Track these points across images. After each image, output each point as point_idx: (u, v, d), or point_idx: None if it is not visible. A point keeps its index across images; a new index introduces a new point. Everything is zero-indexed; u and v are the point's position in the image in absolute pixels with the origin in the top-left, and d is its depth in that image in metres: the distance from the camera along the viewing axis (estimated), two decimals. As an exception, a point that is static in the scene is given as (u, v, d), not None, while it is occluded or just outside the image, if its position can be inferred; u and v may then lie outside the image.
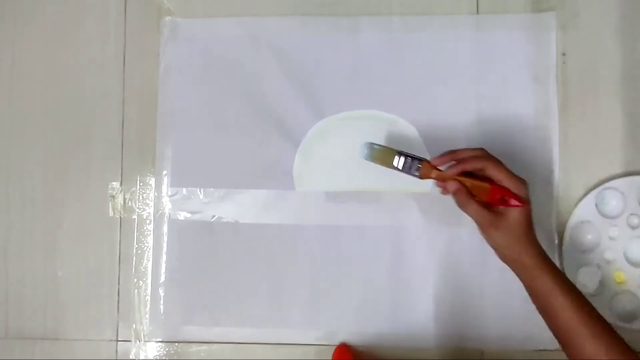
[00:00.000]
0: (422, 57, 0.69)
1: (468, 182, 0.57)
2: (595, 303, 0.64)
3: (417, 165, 0.59)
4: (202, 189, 0.69)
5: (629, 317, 0.64)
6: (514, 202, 0.55)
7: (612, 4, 0.68)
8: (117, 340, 0.69)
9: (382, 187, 0.68)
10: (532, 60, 0.68)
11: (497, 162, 0.56)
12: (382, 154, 0.61)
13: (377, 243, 0.67)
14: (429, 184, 0.67)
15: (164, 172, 0.70)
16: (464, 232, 0.67)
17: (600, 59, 0.68)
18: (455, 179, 0.57)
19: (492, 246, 0.57)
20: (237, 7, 0.70)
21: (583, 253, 0.65)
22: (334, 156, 0.69)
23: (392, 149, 0.60)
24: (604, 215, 0.65)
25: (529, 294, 0.56)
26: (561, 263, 0.66)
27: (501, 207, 0.56)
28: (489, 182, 0.56)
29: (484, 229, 0.57)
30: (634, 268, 0.65)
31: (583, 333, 0.52)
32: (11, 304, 0.70)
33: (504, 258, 0.57)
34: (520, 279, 0.57)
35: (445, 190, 0.58)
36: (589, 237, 0.65)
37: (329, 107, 0.69)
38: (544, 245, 0.65)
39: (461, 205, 0.57)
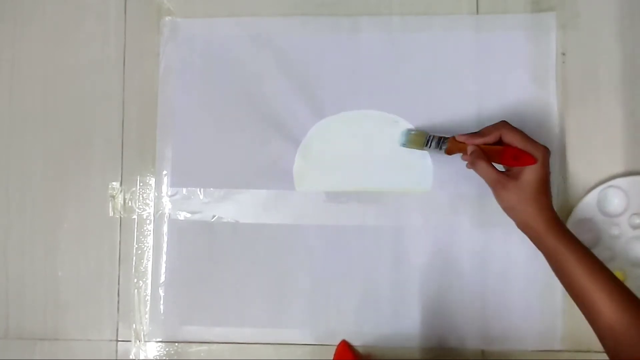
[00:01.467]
0: (422, 57, 0.69)
1: (486, 148, 0.59)
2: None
3: (444, 142, 0.62)
4: (202, 189, 0.69)
5: None
6: (524, 160, 0.56)
7: (612, 4, 0.68)
8: (117, 341, 0.69)
9: (382, 187, 0.68)
10: (532, 60, 0.68)
11: (514, 128, 0.58)
12: (416, 137, 0.64)
13: (377, 243, 0.67)
14: (429, 184, 0.67)
15: (164, 172, 0.70)
16: (464, 232, 0.67)
17: (600, 59, 0.68)
18: (473, 145, 0.60)
19: (503, 209, 0.58)
20: (237, 7, 0.70)
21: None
22: (334, 156, 0.69)
23: (424, 132, 0.64)
24: (605, 213, 0.65)
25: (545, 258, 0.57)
26: None
27: (515, 169, 0.57)
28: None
29: (493, 188, 0.58)
30: (634, 268, 0.64)
31: (596, 292, 0.52)
32: (11, 304, 0.70)
33: (517, 223, 0.58)
34: (534, 244, 0.58)
35: (470, 164, 0.60)
36: (589, 235, 0.65)
37: (329, 107, 0.69)
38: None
39: (473, 166, 0.59)
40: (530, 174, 0.56)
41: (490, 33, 0.68)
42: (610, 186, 0.65)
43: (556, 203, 0.66)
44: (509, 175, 0.58)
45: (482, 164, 0.58)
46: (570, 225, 0.65)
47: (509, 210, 0.58)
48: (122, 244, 0.70)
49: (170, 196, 0.69)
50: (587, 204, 0.65)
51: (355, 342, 0.67)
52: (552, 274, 0.65)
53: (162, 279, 0.69)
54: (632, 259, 0.65)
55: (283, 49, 0.69)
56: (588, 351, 0.65)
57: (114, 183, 0.70)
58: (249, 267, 0.68)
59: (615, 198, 0.65)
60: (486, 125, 0.61)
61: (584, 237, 0.65)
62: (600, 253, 0.65)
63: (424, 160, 0.68)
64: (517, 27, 0.68)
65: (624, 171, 0.66)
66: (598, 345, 0.65)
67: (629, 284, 0.64)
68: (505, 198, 0.57)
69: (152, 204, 0.70)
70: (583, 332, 0.65)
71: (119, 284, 0.70)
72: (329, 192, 0.68)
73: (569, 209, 0.66)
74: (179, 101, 0.70)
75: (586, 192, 0.66)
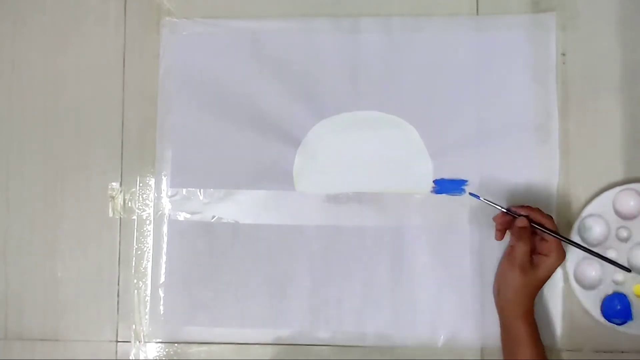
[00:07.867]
0: (422, 58, 0.69)
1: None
2: (587, 298, 0.65)
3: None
4: (201, 190, 0.69)
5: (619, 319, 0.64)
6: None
7: (612, 4, 0.68)
8: (117, 341, 0.69)
9: (382, 188, 0.68)
10: (532, 60, 0.68)
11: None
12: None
13: (377, 243, 0.67)
14: (428, 186, 0.67)
15: (164, 173, 0.70)
16: (463, 232, 0.67)
17: (600, 59, 0.68)
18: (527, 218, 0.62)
19: (501, 284, 0.62)
20: (237, 8, 0.70)
21: (589, 246, 0.65)
22: (334, 157, 0.69)
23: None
24: (618, 214, 0.65)
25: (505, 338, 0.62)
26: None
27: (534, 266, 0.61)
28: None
29: (511, 266, 0.61)
30: (633, 273, 0.64)
31: None
32: (11, 305, 0.70)
33: (499, 296, 0.63)
34: (504, 324, 0.62)
35: (516, 237, 0.62)
36: (597, 230, 0.65)
37: (329, 108, 0.69)
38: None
39: (518, 239, 0.61)
40: (545, 271, 0.60)
41: (490, 33, 0.68)
42: (630, 189, 0.65)
43: (555, 204, 0.66)
44: (531, 262, 0.61)
45: (524, 246, 0.60)
46: (580, 217, 0.65)
47: (504, 285, 0.62)
48: (121, 244, 0.70)
49: (170, 197, 0.69)
50: (604, 200, 0.65)
51: (355, 342, 0.67)
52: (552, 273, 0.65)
53: (162, 279, 0.69)
54: (634, 264, 0.64)
55: (283, 50, 0.69)
56: (588, 351, 0.65)
57: (113, 183, 0.70)
58: (249, 267, 0.68)
59: (631, 201, 0.65)
60: (487, 130, 0.65)
61: (592, 231, 0.65)
62: (605, 251, 0.65)
63: (424, 161, 0.68)
64: (517, 28, 0.68)
65: (623, 171, 0.66)
66: (598, 345, 0.65)
67: (625, 286, 0.65)
68: (515, 280, 0.60)
69: (151, 204, 0.70)
70: (583, 332, 0.66)
71: (118, 284, 0.69)
72: (329, 193, 0.68)
73: (569, 207, 0.66)
74: (179, 101, 0.70)
75: (602, 189, 0.66)
